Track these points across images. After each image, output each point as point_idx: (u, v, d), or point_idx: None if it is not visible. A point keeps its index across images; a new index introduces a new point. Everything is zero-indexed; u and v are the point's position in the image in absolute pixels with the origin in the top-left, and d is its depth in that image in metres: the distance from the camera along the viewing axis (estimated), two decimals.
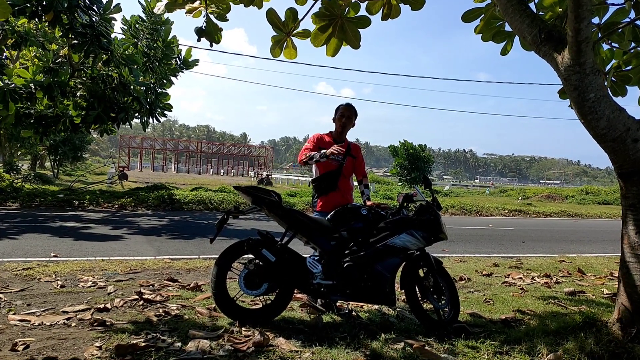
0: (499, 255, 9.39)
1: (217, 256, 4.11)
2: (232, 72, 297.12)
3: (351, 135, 4.90)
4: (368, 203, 4.68)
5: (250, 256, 4.08)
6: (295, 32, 4.31)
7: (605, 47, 4.67)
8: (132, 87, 10.91)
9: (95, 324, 3.84)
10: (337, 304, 4.71)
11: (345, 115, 4.85)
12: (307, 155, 4.71)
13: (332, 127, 4.98)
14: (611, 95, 3.69)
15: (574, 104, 3.63)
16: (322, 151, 4.60)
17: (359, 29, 4.27)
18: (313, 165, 4.87)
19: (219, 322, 4.05)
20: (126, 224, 11.51)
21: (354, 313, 4.59)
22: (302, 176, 52.57)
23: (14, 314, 4.05)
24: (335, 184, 4.74)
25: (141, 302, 4.59)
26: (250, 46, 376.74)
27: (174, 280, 5.67)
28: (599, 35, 4.30)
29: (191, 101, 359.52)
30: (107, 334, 3.62)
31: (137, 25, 12.01)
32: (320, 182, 4.76)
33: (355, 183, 5.16)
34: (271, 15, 4.18)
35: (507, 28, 4.74)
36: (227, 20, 4.10)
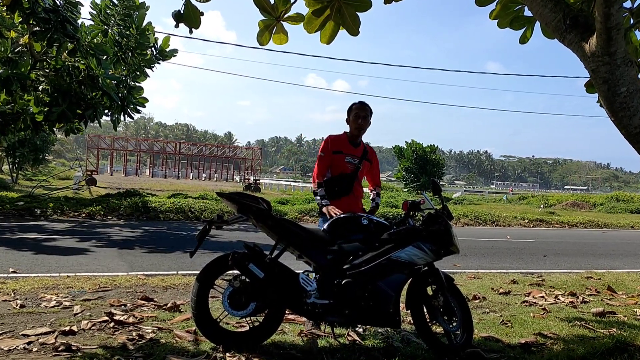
0: (518, 271, 9.40)
1: (197, 272, 4.10)
2: (209, 62, 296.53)
3: None
4: (371, 210, 4.85)
5: (236, 272, 4.07)
6: (286, 16, 4.30)
7: (639, 34, 4.68)
8: (101, 80, 10.86)
9: (59, 349, 3.82)
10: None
11: (361, 115, 4.98)
12: (315, 189, 4.90)
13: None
14: None
15: (603, 99, 3.64)
16: (324, 203, 4.75)
17: (359, 13, 4.26)
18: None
19: (201, 347, 4.03)
20: (95, 235, 11.47)
21: (349, 337, 4.58)
22: (295, 181, 52.60)
23: None
24: (350, 187, 4.92)
25: (112, 324, 4.57)
26: (228, 32, 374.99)
27: (149, 299, 5.65)
28: (631, 21, 4.31)
29: (165, 95, 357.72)
30: None
31: (107, 10, 11.99)
32: (334, 185, 4.90)
33: (366, 190, 5.30)
34: None
35: (527, 13, 4.75)
36: (210, 0, 4.09)
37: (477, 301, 6.46)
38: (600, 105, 3.77)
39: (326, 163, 4.93)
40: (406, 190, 37.84)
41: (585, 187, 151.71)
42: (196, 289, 3.99)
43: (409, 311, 4.37)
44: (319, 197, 4.83)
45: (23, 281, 6.29)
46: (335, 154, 4.94)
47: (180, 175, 69.27)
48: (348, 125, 5.08)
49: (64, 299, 5.47)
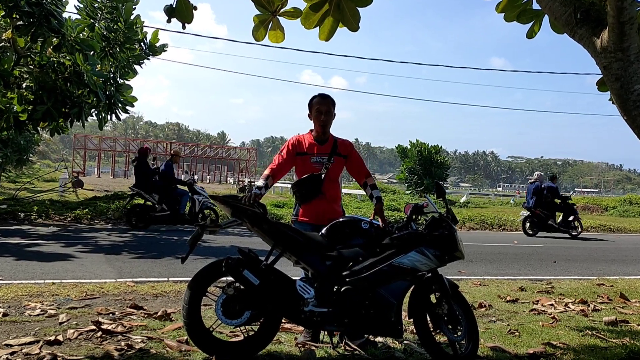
0: (526, 277, 9.40)
1: (189, 279, 4.09)
2: (199, 58, 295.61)
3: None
4: (377, 210, 4.65)
5: (230, 279, 4.07)
6: (282, 10, 4.30)
7: None
8: (87, 77, 10.87)
9: None
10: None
11: (323, 110, 4.78)
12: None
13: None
14: None
15: (615, 98, 3.65)
16: (255, 191, 4.34)
17: (359, 8, 4.27)
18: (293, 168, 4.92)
19: (192, 357, 4.03)
20: (81, 240, 11.45)
21: (348, 347, 4.57)
22: (291, 183, 52.51)
23: None
24: (319, 188, 4.67)
25: (99, 334, 4.56)
26: (218, 26, 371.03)
27: (139, 307, 5.64)
28: None
29: (153, 93, 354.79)
30: None
31: (94, 3, 11.98)
32: (301, 187, 4.70)
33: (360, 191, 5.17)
34: None
35: (535, 6, 4.76)
36: None
37: (483, 309, 6.46)
38: (613, 103, 3.77)
39: (284, 164, 4.74)
40: (409, 192, 37.78)
41: (597, 190, 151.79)
42: (188, 297, 3.98)
43: (411, 320, 4.36)
44: (256, 187, 4.48)
45: (6, 288, 6.28)
46: (299, 156, 4.79)
47: None
48: (312, 122, 4.88)
49: (49, 307, 5.45)
